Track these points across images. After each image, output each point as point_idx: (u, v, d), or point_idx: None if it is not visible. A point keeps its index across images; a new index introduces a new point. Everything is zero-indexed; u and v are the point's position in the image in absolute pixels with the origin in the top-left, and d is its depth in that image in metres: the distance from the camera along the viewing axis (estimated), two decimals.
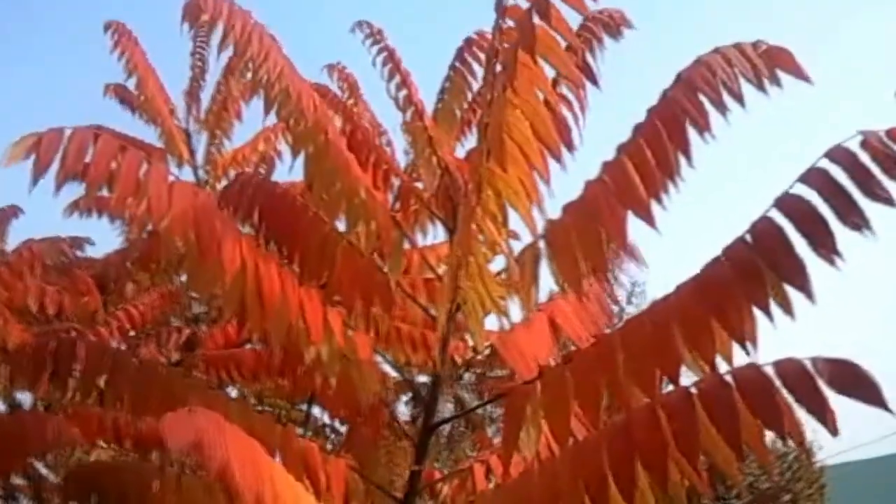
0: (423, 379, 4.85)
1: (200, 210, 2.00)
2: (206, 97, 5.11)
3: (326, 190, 2.25)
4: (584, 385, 2.03)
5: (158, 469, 2.45)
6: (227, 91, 4.97)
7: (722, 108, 2.22)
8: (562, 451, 1.99)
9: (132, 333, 3.89)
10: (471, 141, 3.27)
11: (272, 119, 5.16)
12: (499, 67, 1.99)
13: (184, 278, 4.63)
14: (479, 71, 3.74)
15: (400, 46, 2.88)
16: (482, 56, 3.65)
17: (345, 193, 2.23)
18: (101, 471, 2.41)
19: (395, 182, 2.60)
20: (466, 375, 5.36)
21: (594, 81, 2.24)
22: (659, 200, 2.19)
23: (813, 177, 1.86)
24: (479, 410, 4.87)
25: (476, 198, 1.96)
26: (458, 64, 3.71)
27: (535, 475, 2.01)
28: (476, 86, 3.95)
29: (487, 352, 4.29)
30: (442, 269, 3.93)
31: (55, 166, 1.83)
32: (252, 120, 5.19)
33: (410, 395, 4.55)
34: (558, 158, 1.90)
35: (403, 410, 4.59)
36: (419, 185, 2.71)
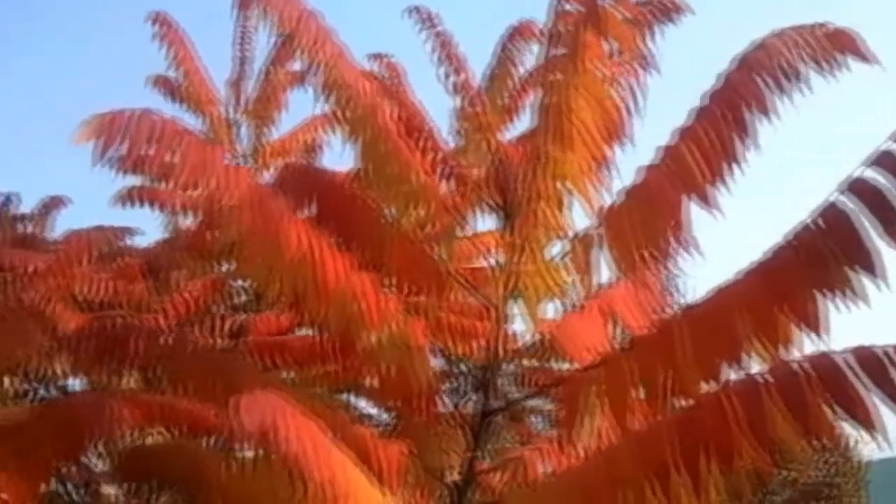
0: (463, 368, 4.84)
1: (260, 195, 2.01)
2: (249, 87, 5.13)
3: (380, 175, 2.25)
4: (646, 372, 2.01)
5: (213, 452, 2.47)
6: (272, 81, 4.97)
7: (783, 92, 2.18)
8: (623, 439, 1.97)
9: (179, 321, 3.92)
10: (514, 129, 3.26)
11: (317, 108, 5.18)
12: (558, 51, 1.97)
13: (226, 267, 4.68)
14: (524, 59, 3.72)
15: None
16: (527, 45, 3.63)
17: (398, 179, 2.22)
18: (157, 454, 2.43)
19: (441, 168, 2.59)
20: (505, 366, 5.33)
21: (652, 66, 2.21)
22: (719, 185, 2.15)
23: (882, 160, 1.81)
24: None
25: (535, 182, 1.94)
26: (502, 53, 3.69)
27: (595, 462, 2.00)
28: (518, 75, 3.94)
29: (531, 342, 4.27)
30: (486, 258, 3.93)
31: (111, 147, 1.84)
32: (295, 110, 5.21)
33: (451, 384, 4.53)
34: (623, 141, 1.87)
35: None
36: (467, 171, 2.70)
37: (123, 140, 1.79)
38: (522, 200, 2.08)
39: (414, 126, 2.51)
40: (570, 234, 2.07)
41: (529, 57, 3.66)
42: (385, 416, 3.91)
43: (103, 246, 3.68)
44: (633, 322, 2.70)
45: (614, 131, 1.86)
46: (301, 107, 5.15)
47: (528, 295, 2.14)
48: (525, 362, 5.16)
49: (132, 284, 3.69)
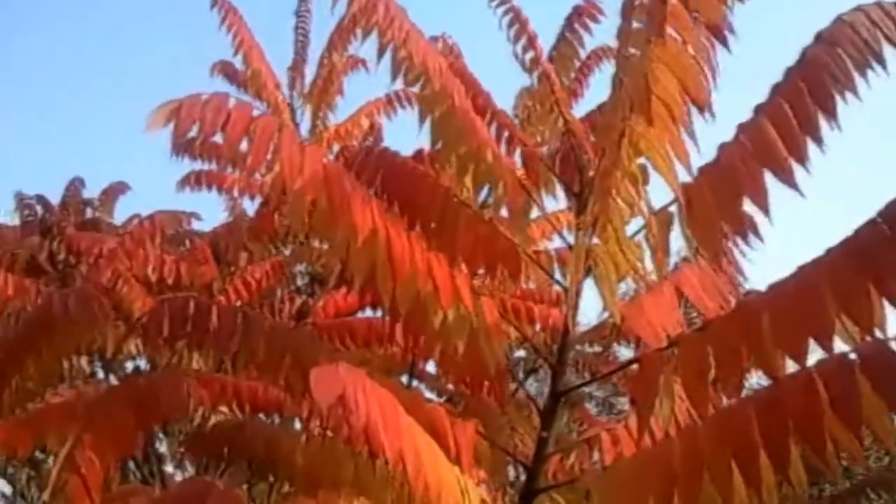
0: (520, 354, 4.82)
1: (331, 173, 2.00)
2: (309, 72, 5.17)
3: (453, 154, 2.23)
4: (725, 353, 1.97)
5: (284, 430, 2.49)
6: (331, 65, 5.00)
7: (865, 68, 2.11)
8: (703, 420, 1.94)
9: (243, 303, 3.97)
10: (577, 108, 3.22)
11: (375, 92, 5.19)
12: (636, 23, 1.93)
13: (289, 251, 4.73)
14: (588, 39, 3.68)
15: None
16: (591, 25, 3.59)
17: (472, 157, 2.20)
18: (229, 433, 2.46)
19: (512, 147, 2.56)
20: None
21: (725, 43, 2.15)
22: (801, 162, 2.09)
23: None
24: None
25: (614, 158, 1.91)
26: (567, 33, 3.65)
27: (673, 444, 1.96)
28: (582, 54, 3.89)
29: (598, 324, 4.23)
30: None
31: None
32: (352, 94, 5.23)
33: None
34: (710, 114, 1.83)
35: None
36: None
37: (196, 124, 1.79)
38: (599, 178, 2.05)
39: (485, 105, 2.49)
40: (648, 211, 2.03)
41: (589, 38, 3.63)
42: (442, 399, 3.92)
43: (171, 228, 3.74)
44: (703, 303, 2.65)
45: (702, 103, 1.81)
46: (358, 92, 5.19)
47: (604, 275, 2.11)
48: (586, 347, 5.13)
49: (199, 266, 3.74)
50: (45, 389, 2.65)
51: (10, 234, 4.42)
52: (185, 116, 1.76)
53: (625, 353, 5.41)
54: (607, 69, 4.26)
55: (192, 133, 1.88)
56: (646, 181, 1.95)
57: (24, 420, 2.72)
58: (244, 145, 1.94)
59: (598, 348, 5.02)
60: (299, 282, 4.78)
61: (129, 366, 4.24)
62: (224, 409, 3.10)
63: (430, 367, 4.14)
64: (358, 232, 1.95)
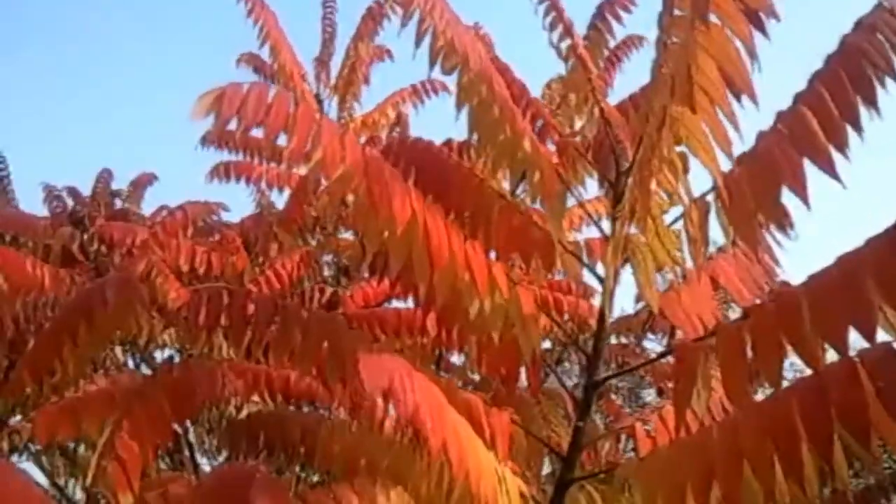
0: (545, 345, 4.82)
1: (371, 161, 2.00)
2: (335, 63, 5.18)
3: (490, 143, 2.22)
4: (764, 342, 1.95)
5: (321, 419, 2.51)
6: (357, 55, 5.01)
7: None
8: (742, 410, 1.93)
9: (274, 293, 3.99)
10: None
11: (400, 83, 5.18)
12: (678, 11, 1.91)
13: (315, 242, 4.75)
14: (618, 29, 3.66)
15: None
16: (623, 14, 3.56)
17: (509, 146, 2.19)
18: (266, 422, 2.48)
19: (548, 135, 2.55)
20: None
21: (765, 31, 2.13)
22: (841, 150, 2.07)
23: None
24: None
25: (654, 146, 1.89)
26: (597, 22, 3.63)
27: (713, 433, 1.95)
28: (613, 42, 3.87)
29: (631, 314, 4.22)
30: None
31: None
32: (377, 85, 5.25)
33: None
34: (753, 101, 1.81)
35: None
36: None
37: (238, 112, 1.80)
38: (638, 167, 2.04)
39: (520, 94, 2.48)
40: (688, 200, 2.02)
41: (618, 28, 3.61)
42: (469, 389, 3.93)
43: (202, 219, 3.77)
44: (739, 293, 2.64)
45: (745, 90, 1.80)
46: (382, 82, 5.20)
47: (642, 265, 2.10)
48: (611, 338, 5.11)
49: (231, 257, 3.76)
50: (82, 377, 2.69)
51: (40, 224, 4.46)
52: (228, 105, 1.76)
53: (649, 345, 5.41)
54: (636, 59, 4.26)
55: (228, 123, 1.88)
56: (686, 170, 1.94)
57: (62, 407, 2.75)
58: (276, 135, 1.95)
59: (624, 339, 5.00)
60: (326, 273, 4.81)
61: (158, 355, 4.28)
62: (256, 398, 3.13)
63: (456, 359, 4.15)
64: (397, 221, 1.95)
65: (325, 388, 2.95)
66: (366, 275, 4.89)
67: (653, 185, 1.95)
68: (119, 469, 2.15)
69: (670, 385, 5.78)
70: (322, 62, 5.15)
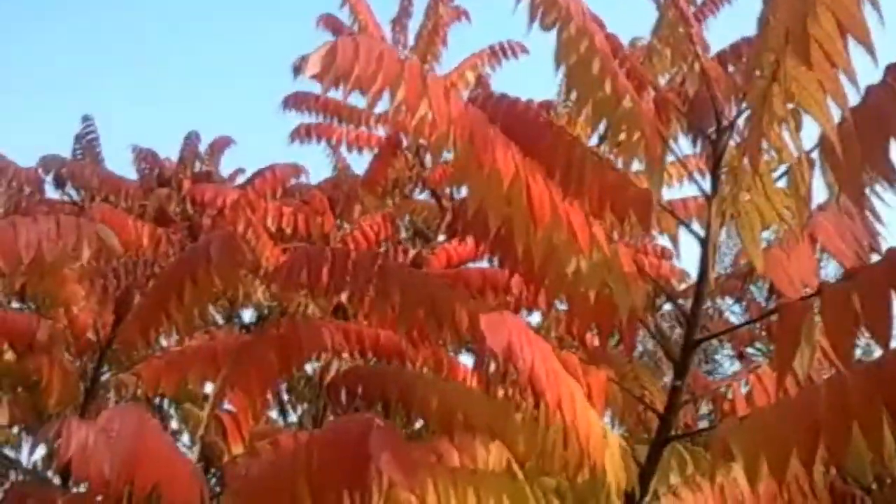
0: None
1: (475, 117, 2.01)
2: (413, 25, 5.18)
3: (588, 99, 2.21)
4: (872, 302, 1.92)
5: (419, 375, 2.56)
6: (437, 16, 4.99)
7: None
8: (848, 370, 1.90)
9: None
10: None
11: (480, 44, 5.15)
12: None
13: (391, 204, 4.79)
14: None
15: None
16: None
17: (609, 103, 2.17)
18: (364, 377, 2.54)
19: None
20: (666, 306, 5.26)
21: None
22: None
23: None
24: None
25: (764, 102, 1.86)
26: None
27: (819, 393, 1.93)
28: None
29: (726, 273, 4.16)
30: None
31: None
32: (453, 48, 5.23)
33: None
34: (872, 56, 1.76)
35: None
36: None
37: (350, 66, 1.82)
38: (747, 123, 2.00)
39: (615, 49, 2.45)
40: (799, 157, 1.98)
41: None
42: None
43: (290, 180, 3.84)
44: (840, 251, 2.59)
45: (865, 43, 1.74)
46: (464, 44, 5.18)
47: (747, 224, 2.07)
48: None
49: (317, 218, 3.83)
50: (187, 333, 2.79)
51: (129, 186, 4.60)
52: (341, 58, 1.78)
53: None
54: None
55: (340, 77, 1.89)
56: (798, 126, 1.90)
57: (167, 361, 2.87)
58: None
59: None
60: (403, 234, 4.86)
61: (245, 314, 4.41)
62: (345, 355, 3.20)
63: (535, 319, 4.17)
64: (502, 177, 1.96)
65: (413, 346, 3.01)
66: (440, 238, 4.94)
67: (762, 143, 1.92)
68: (230, 420, 2.23)
69: (750, 349, 5.71)
70: (400, 23, 5.15)
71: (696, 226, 2.41)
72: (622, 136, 2.24)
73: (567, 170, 2.39)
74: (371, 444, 1.56)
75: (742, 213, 2.07)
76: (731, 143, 2.22)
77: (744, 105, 2.20)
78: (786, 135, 1.89)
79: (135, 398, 2.96)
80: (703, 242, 2.25)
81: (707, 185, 2.30)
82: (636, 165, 2.52)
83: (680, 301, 4.26)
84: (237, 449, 2.21)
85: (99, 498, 1.84)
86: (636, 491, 2.18)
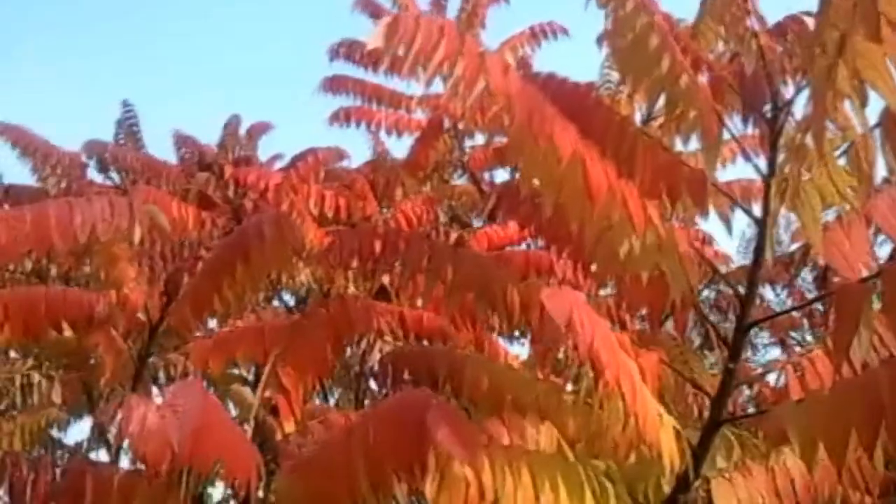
0: None
1: (532, 94, 2.00)
2: (451, 7, 5.16)
3: (644, 77, 2.18)
4: None
5: (467, 356, 2.55)
6: None
7: None
8: None
9: None
10: None
11: (518, 25, 5.11)
12: None
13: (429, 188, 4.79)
14: None
15: None
16: None
17: (665, 81, 2.14)
18: (412, 357, 2.54)
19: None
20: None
21: None
22: None
23: None
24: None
25: (825, 78, 1.82)
26: None
27: (880, 374, 1.90)
28: None
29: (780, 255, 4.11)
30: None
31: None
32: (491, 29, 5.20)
33: None
34: None
35: None
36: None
37: (411, 40, 1.81)
38: (811, 101, 1.97)
39: (668, 28, 2.41)
40: (864, 135, 1.94)
41: None
42: None
43: (332, 163, 3.85)
44: (895, 232, 2.54)
45: None
46: (503, 26, 5.15)
47: (807, 204, 2.03)
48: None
49: (360, 201, 3.84)
50: (238, 312, 2.81)
51: (171, 170, 4.64)
52: (403, 32, 1.77)
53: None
54: None
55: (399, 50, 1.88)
56: (863, 103, 1.86)
57: (215, 340, 2.89)
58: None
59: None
60: (441, 219, 4.86)
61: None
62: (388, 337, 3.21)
63: None
64: (559, 155, 1.94)
65: (455, 328, 3.01)
66: (476, 223, 4.93)
67: (825, 121, 1.88)
68: (283, 398, 2.25)
69: (788, 337, 5.62)
70: (439, 4, 5.13)
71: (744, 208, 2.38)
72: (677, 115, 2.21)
73: (619, 150, 2.36)
74: (430, 419, 1.56)
75: (803, 193, 2.03)
76: (790, 121, 2.18)
77: (803, 82, 2.16)
78: (850, 112, 1.84)
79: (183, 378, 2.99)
80: (760, 223, 2.21)
81: (763, 165, 2.27)
82: (682, 146, 2.50)
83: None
84: (289, 427, 2.22)
85: (156, 473, 1.86)
86: (690, 473, 2.16)
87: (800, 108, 2.18)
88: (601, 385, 1.72)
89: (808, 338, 5.12)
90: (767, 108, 2.30)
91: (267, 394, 2.31)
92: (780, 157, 2.17)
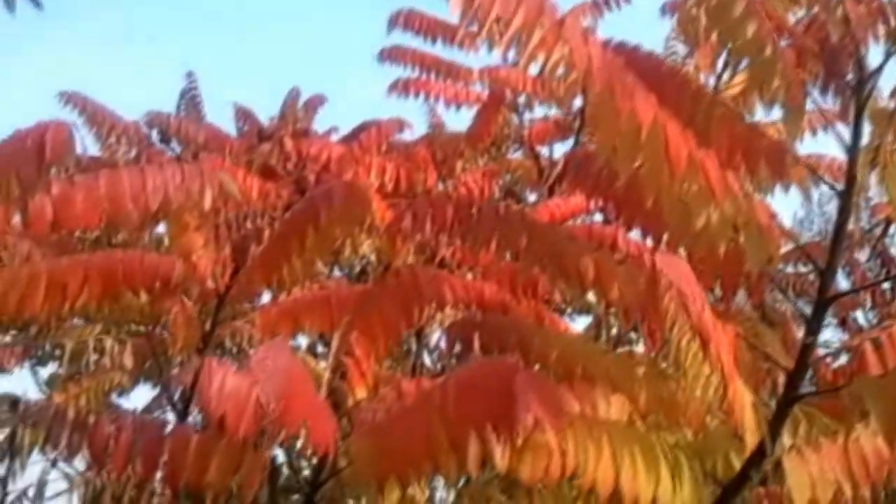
0: None
1: (613, 62, 1.96)
2: None
3: (727, 43, 2.13)
4: None
5: (536, 327, 2.54)
6: None
7: None
8: None
9: None
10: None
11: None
12: None
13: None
14: None
15: None
16: None
17: (754, 45, 2.08)
18: (480, 327, 2.53)
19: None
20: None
21: None
22: None
23: None
24: None
25: None
26: None
27: None
28: None
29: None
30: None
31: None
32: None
33: None
34: None
35: None
36: None
37: (491, 4, 1.79)
38: None
39: None
40: None
41: None
42: None
43: (393, 134, 3.84)
44: None
45: None
46: None
47: (889, 173, 1.97)
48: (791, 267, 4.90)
49: (420, 173, 3.83)
50: (307, 280, 2.83)
51: (233, 142, 4.67)
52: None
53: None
54: None
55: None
56: None
57: (281, 308, 2.92)
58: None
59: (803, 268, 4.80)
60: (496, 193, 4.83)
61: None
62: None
63: None
64: (640, 123, 1.91)
65: (516, 300, 3.00)
66: (532, 197, 4.89)
67: None
68: (354, 365, 2.26)
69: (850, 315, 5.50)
70: None
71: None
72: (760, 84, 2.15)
73: (695, 120, 2.32)
74: (517, 385, 1.55)
75: (890, 164, 1.97)
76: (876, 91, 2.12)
77: (894, 48, 2.09)
78: None
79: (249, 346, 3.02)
80: (844, 195, 2.16)
81: (846, 135, 2.21)
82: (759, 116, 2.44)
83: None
84: (360, 393, 2.24)
85: (234, 434, 1.88)
86: (768, 448, 2.13)
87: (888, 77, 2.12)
88: (706, 356, 1.69)
89: (869, 318, 5.01)
90: (852, 76, 2.23)
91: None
92: (866, 127, 2.10)
